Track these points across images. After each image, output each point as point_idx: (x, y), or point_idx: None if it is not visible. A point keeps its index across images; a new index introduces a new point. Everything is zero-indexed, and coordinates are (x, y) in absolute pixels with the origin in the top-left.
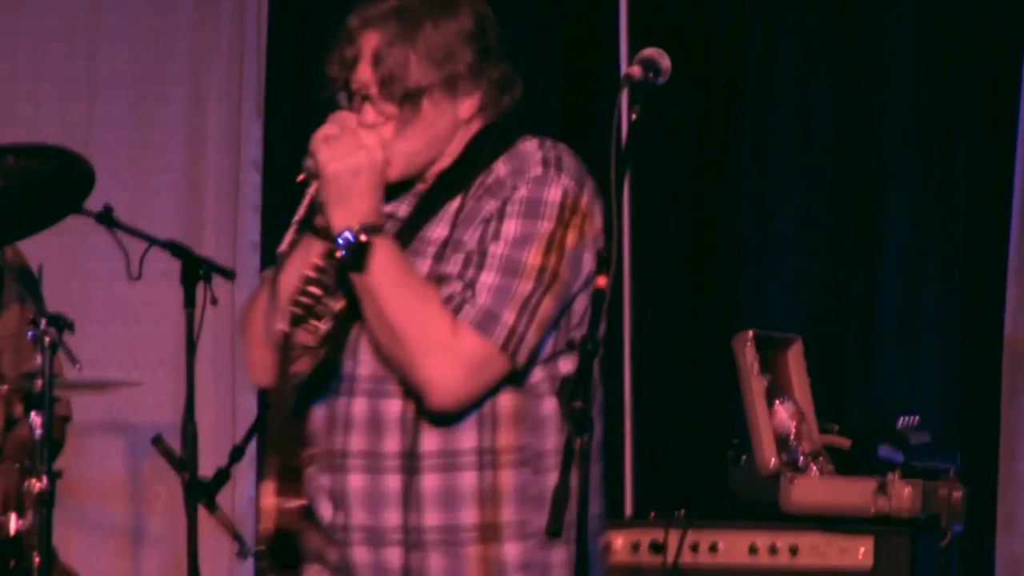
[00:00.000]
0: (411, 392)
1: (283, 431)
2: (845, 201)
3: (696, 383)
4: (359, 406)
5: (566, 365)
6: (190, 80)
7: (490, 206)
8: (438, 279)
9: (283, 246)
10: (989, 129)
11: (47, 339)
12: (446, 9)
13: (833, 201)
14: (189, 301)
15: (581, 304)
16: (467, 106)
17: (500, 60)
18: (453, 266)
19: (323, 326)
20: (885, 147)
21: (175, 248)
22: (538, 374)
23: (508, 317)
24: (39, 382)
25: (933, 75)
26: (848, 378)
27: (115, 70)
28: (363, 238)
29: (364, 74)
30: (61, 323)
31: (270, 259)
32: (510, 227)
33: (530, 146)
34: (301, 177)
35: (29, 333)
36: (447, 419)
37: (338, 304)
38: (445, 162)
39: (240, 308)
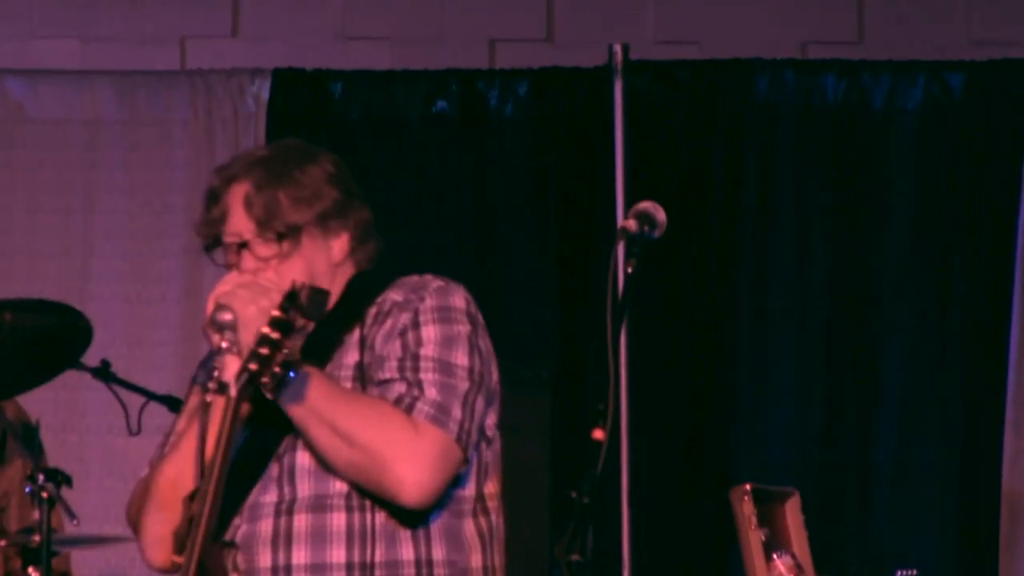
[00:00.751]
0: (353, 505)
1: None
2: (841, 353)
3: (694, 536)
4: (301, 522)
5: (491, 486)
6: (186, 234)
7: (403, 319)
8: (377, 384)
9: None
10: (985, 278)
11: (45, 494)
12: (306, 156)
13: (829, 353)
14: None
15: (492, 419)
16: (338, 247)
17: (362, 205)
18: (388, 372)
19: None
20: (881, 298)
21: (173, 402)
22: (471, 487)
23: (456, 412)
24: (37, 537)
25: (928, 225)
26: (846, 531)
27: (111, 225)
28: (288, 377)
29: (237, 224)
30: (59, 478)
31: None
32: (430, 332)
33: (414, 277)
34: (215, 339)
35: (27, 488)
36: (388, 532)
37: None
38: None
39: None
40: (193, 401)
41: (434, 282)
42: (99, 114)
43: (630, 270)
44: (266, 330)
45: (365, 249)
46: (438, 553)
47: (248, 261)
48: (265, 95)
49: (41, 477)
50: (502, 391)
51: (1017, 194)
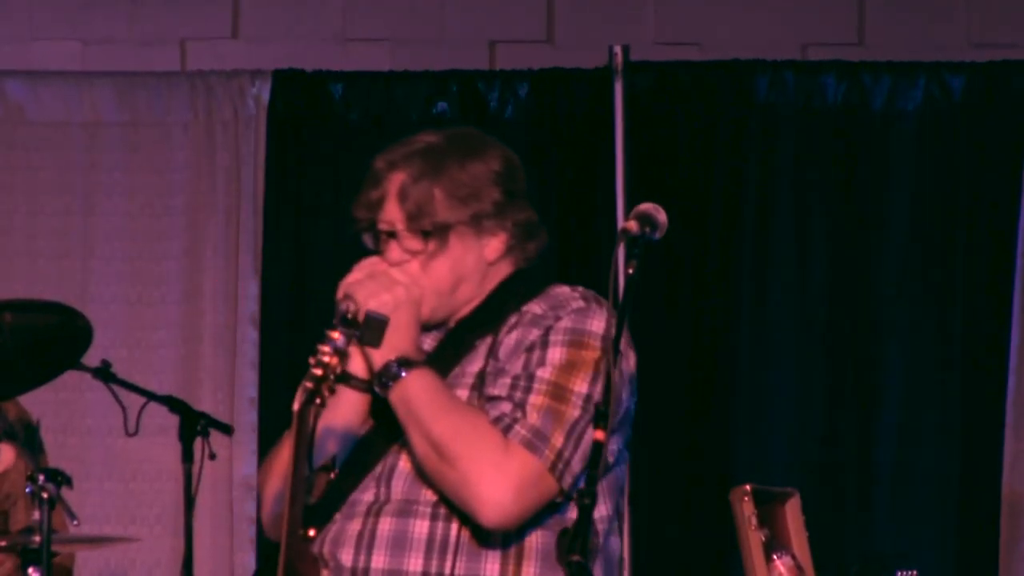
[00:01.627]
0: (439, 514)
1: (294, 538)
2: (841, 354)
3: (694, 537)
4: (385, 525)
5: (602, 509)
6: (187, 236)
7: (533, 335)
8: (487, 399)
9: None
10: (986, 279)
11: (45, 494)
12: (473, 150)
13: (829, 354)
14: (187, 456)
15: (615, 443)
16: (493, 247)
17: (526, 204)
18: (500, 389)
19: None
20: (881, 299)
21: (173, 403)
22: (570, 513)
23: (557, 440)
24: (37, 538)
25: (929, 226)
26: (846, 532)
27: (111, 226)
28: (398, 375)
29: (391, 212)
30: (59, 478)
31: (268, 415)
32: (555, 354)
33: (563, 289)
34: (336, 333)
35: (27, 488)
36: (473, 545)
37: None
38: (470, 306)
39: (260, 467)
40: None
41: (577, 301)
42: (99, 116)
43: (631, 271)
44: (324, 350)
45: (525, 248)
46: (528, 572)
47: (395, 252)
48: (265, 96)
49: (41, 477)
50: None
51: (1017, 195)
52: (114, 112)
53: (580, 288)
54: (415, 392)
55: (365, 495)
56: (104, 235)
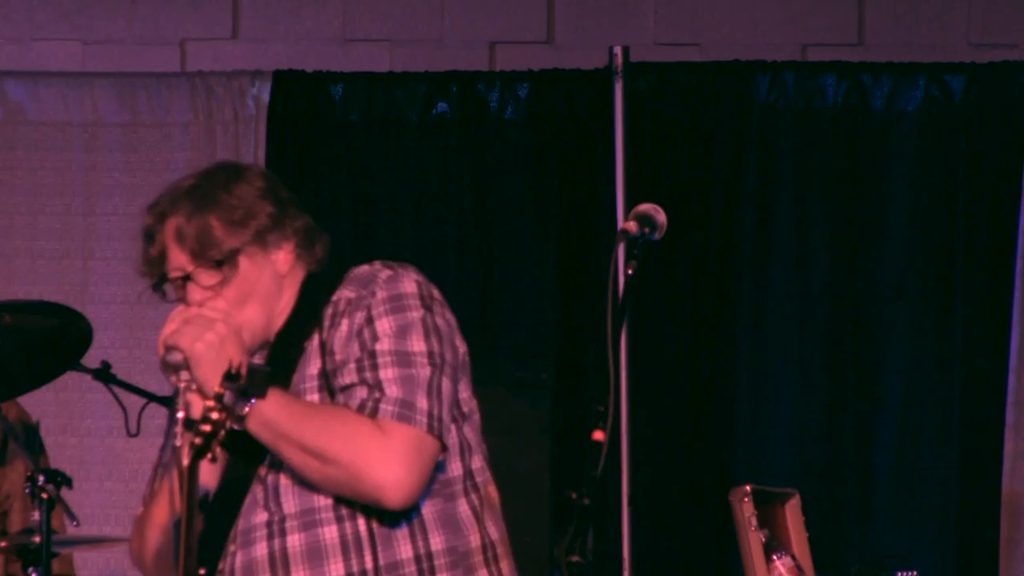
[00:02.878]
0: (343, 515)
1: None
2: (841, 355)
3: (694, 537)
4: (294, 540)
5: (477, 460)
6: None
7: (358, 318)
8: (340, 390)
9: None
10: (986, 280)
11: (45, 495)
12: (232, 176)
13: (829, 354)
14: None
15: (465, 392)
16: (282, 258)
17: (298, 211)
18: (349, 376)
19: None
20: (881, 300)
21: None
22: (456, 466)
23: (422, 402)
24: (37, 538)
25: (929, 227)
26: (846, 532)
27: (112, 226)
28: (246, 409)
29: (176, 258)
30: (59, 479)
31: None
32: (384, 325)
33: (363, 268)
34: (172, 380)
35: (27, 489)
36: (383, 533)
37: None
38: (282, 319)
39: (135, 523)
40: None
41: (383, 272)
42: (100, 116)
43: (630, 272)
44: (210, 405)
45: (312, 252)
46: (436, 543)
47: (195, 293)
48: (266, 97)
49: (41, 478)
50: (500, 392)
51: (1017, 196)
52: (114, 112)
53: (378, 261)
54: (272, 413)
55: (256, 519)
56: (104, 235)
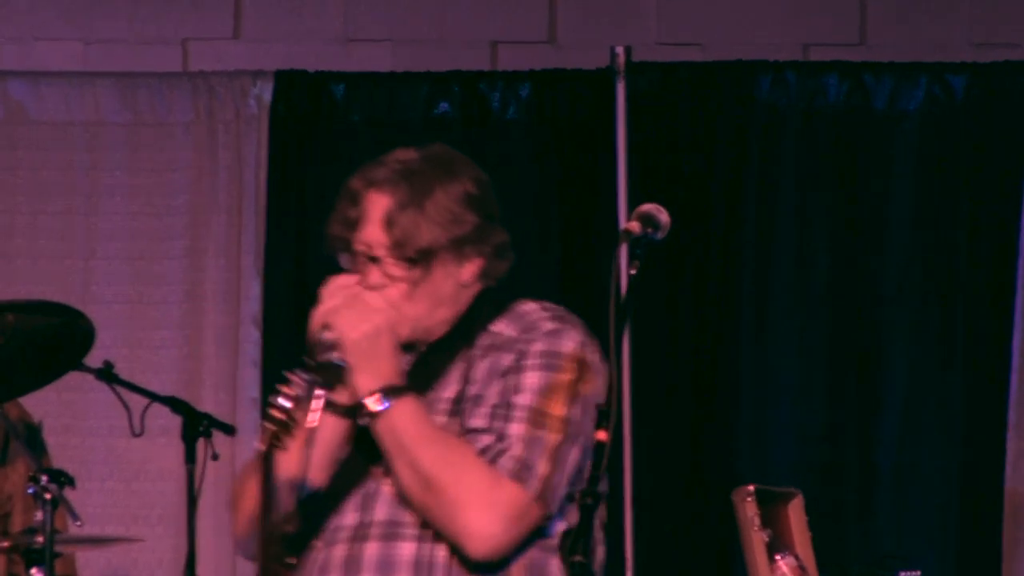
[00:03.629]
0: (425, 535)
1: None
2: (843, 354)
3: (697, 537)
4: (371, 549)
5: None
6: (189, 236)
7: (506, 360)
8: (467, 432)
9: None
10: (988, 279)
11: (48, 495)
12: (450, 173)
13: (832, 354)
14: (190, 457)
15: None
16: (469, 270)
17: (500, 227)
18: (480, 420)
19: (295, 440)
20: (883, 300)
21: (176, 404)
22: (560, 526)
23: (542, 467)
24: (40, 538)
25: (931, 226)
26: (848, 532)
27: (113, 226)
28: (383, 406)
29: (372, 235)
30: (62, 479)
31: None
32: (531, 379)
33: (531, 307)
34: (322, 356)
35: (30, 489)
36: (459, 563)
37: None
38: (443, 328)
39: (238, 471)
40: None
41: (548, 323)
42: (101, 116)
43: (633, 272)
44: (282, 397)
45: (496, 268)
46: None
47: (374, 276)
48: (267, 97)
49: (44, 478)
50: None
51: (1019, 196)
52: (116, 112)
53: (548, 304)
54: (402, 422)
55: (346, 519)
56: (106, 235)
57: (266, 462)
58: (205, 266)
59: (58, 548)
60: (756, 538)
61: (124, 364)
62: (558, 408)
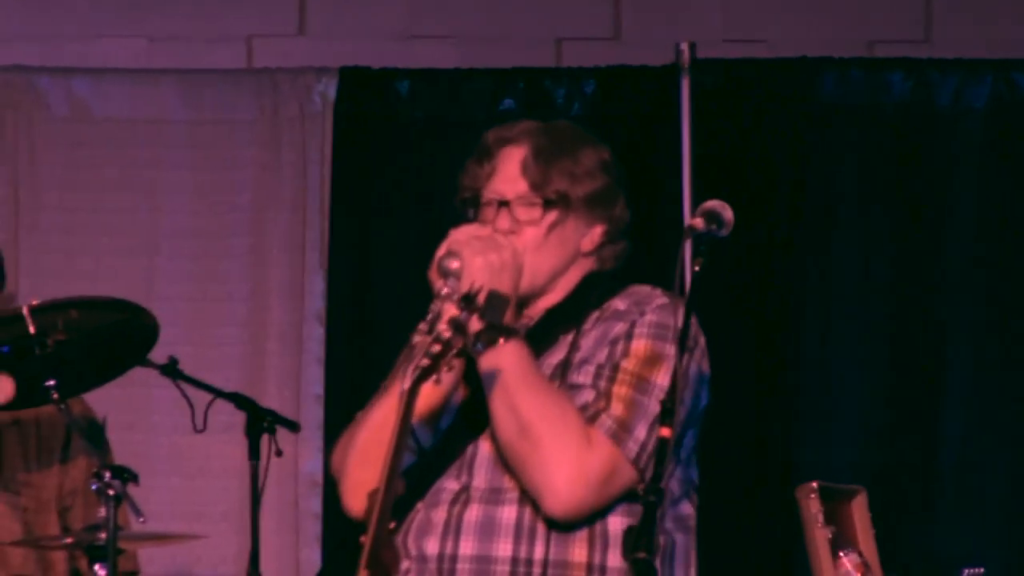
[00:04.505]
0: (527, 499)
1: (383, 517)
2: (906, 351)
3: (760, 534)
4: (473, 512)
5: (686, 507)
6: (252, 233)
7: (618, 328)
8: (569, 387)
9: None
10: None
11: (111, 491)
12: (586, 138)
13: (895, 352)
14: (253, 453)
15: (690, 441)
16: (591, 237)
17: (626, 205)
18: (584, 377)
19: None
20: (946, 297)
21: (240, 400)
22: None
23: (640, 431)
24: (103, 534)
25: (994, 224)
26: (911, 529)
27: (177, 224)
28: (500, 339)
29: (505, 182)
30: (125, 475)
31: (334, 411)
32: (640, 346)
33: (644, 288)
34: (438, 285)
35: (93, 485)
36: (560, 530)
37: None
38: (554, 298)
39: (342, 438)
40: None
41: (660, 298)
42: (164, 113)
43: (697, 268)
44: (441, 327)
45: (613, 248)
46: (614, 560)
47: (504, 221)
48: (331, 94)
49: (107, 474)
50: None
51: None
52: (179, 109)
53: (660, 288)
54: (509, 362)
55: (448, 483)
56: (169, 232)
57: (411, 397)
58: (269, 263)
59: (121, 544)
60: (819, 535)
61: (188, 361)
62: (662, 377)
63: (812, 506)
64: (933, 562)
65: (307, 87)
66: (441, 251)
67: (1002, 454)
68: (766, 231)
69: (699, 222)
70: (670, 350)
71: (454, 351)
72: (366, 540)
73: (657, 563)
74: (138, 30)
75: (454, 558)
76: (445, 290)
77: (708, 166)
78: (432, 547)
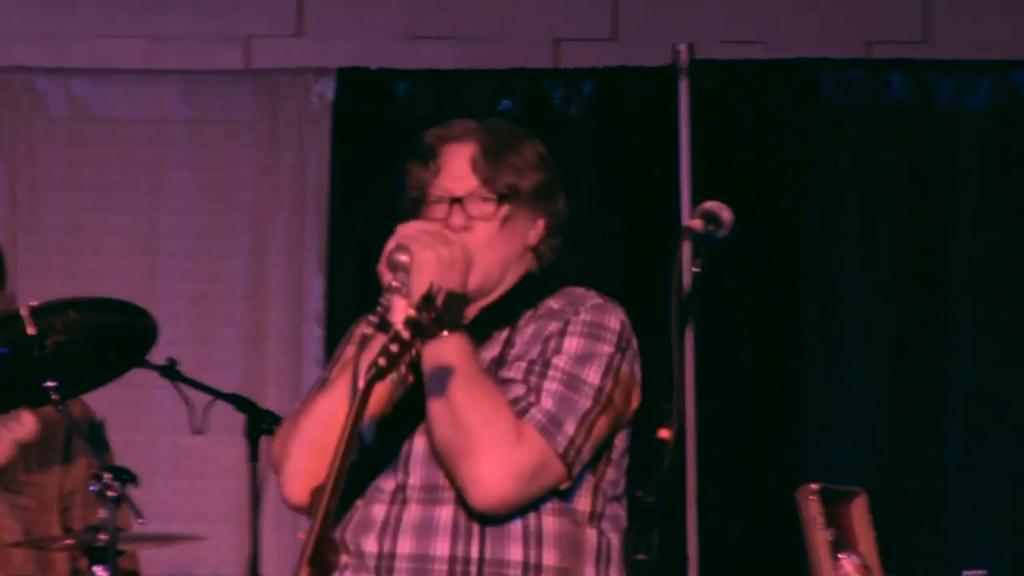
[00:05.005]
0: (462, 500)
1: (324, 526)
2: (909, 352)
3: (760, 536)
4: (411, 512)
5: (614, 508)
6: (252, 233)
7: (552, 326)
8: (501, 382)
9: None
10: None
11: (111, 492)
12: (523, 135)
13: (897, 352)
14: (253, 454)
15: (621, 442)
16: (536, 230)
17: (564, 201)
18: (515, 372)
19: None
20: (949, 297)
21: (240, 401)
22: (586, 503)
23: (569, 427)
24: (103, 535)
25: (996, 224)
26: (913, 531)
27: (177, 223)
28: (444, 331)
29: (454, 180)
30: (125, 476)
31: None
32: (572, 344)
33: (579, 289)
34: (387, 278)
35: (93, 486)
36: (496, 529)
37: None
38: (495, 295)
39: (282, 429)
40: (349, 352)
41: (594, 299)
42: (165, 113)
43: (696, 269)
44: (399, 328)
45: (551, 243)
46: (549, 559)
47: (458, 218)
48: (330, 94)
49: (107, 475)
50: None
51: None
52: (179, 109)
53: (594, 290)
54: (451, 352)
55: (385, 482)
56: (170, 232)
57: (366, 396)
58: (268, 263)
59: (121, 546)
60: (820, 537)
61: (187, 361)
62: (593, 376)
63: (812, 508)
64: (935, 563)
65: (306, 87)
66: (390, 245)
67: (1005, 455)
68: (766, 232)
69: (697, 223)
70: (602, 349)
71: (412, 352)
72: (307, 536)
73: (594, 564)
74: (138, 30)
75: (392, 556)
76: (395, 283)
77: (707, 167)
78: (371, 545)
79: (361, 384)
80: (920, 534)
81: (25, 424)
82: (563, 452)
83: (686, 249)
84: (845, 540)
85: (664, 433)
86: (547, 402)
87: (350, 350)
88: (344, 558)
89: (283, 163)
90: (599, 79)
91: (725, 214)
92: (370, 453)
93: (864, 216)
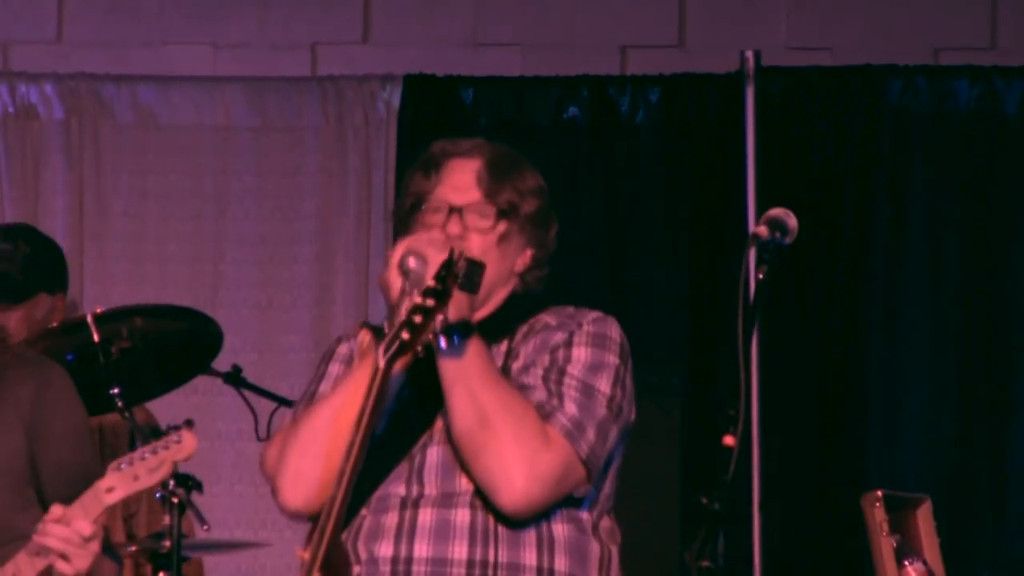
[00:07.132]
0: (477, 504)
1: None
2: (974, 358)
3: (825, 542)
4: (426, 516)
5: (607, 520)
6: (317, 240)
7: (557, 337)
8: (520, 388)
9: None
10: None
11: (175, 499)
12: (525, 161)
13: (962, 359)
14: None
15: (620, 454)
16: (524, 259)
17: (555, 224)
18: (532, 378)
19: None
20: (1014, 303)
21: None
22: (589, 512)
23: (591, 434)
24: (168, 542)
25: None
26: (978, 537)
27: (242, 231)
28: (456, 339)
29: (461, 190)
30: (190, 483)
31: None
32: (581, 354)
33: (569, 308)
34: (398, 284)
35: (157, 493)
36: (511, 533)
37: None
38: (482, 313)
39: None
40: (335, 368)
41: (592, 313)
42: (230, 120)
43: (761, 276)
44: (419, 299)
45: (536, 273)
46: (560, 564)
47: (455, 226)
48: (396, 101)
49: (172, 483)
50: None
51: None
52: (245, 116)
53: (584, 307)
54: (471, 356)
55: (394, 489)
56: (235, 239)
57: (387, 372)
58: (334, 270)
59: (185, 552)
60: (884, 543)
61: (252, 368)
62: (604, 385)
63: (877, 515)
64: (1000, 569)
65: (372, 94)
66: (396, 255)
67: None
68: (832, 239)
69: (763, 230)
70: (610, 359)
71: (436, 322)
72: (317, 541)
73: (598, 573)
74: (203, 37)
75: (409, 560)
76: (406, 287)
77: (773, 174)
78: (385, 550)
79: (381, 363)
80: (985, 540)
81: (187, 443)
82: (586, 458)
83: (752, 256)
84: (910, 547)
85: (729, 440)
86: (570, 407)
87: (335, 367)
88: (356, 568)
89: (348, 170)
90: (666, 86)
91: (791, 221)
92: (373, 463)
93: (929, 223)
